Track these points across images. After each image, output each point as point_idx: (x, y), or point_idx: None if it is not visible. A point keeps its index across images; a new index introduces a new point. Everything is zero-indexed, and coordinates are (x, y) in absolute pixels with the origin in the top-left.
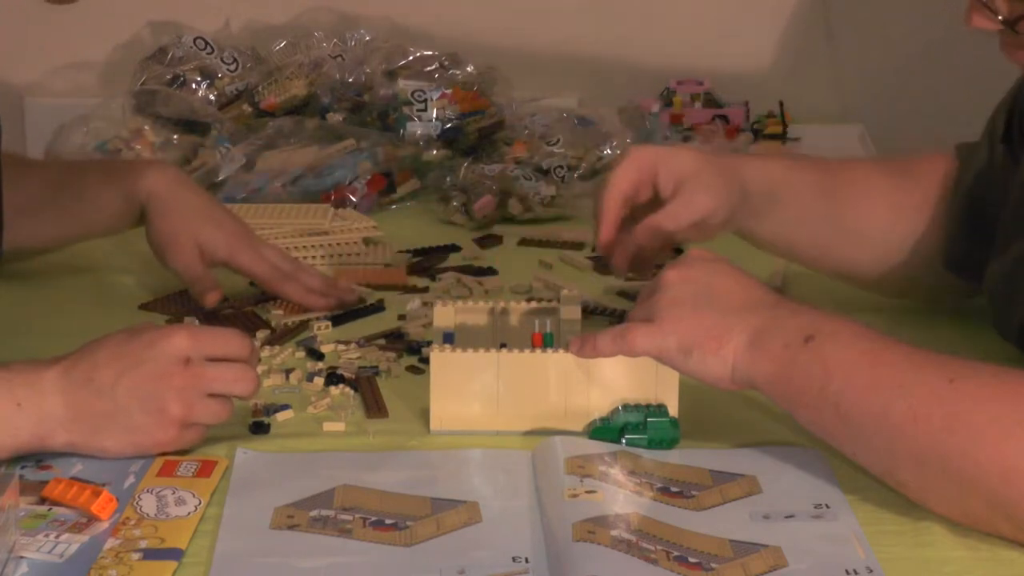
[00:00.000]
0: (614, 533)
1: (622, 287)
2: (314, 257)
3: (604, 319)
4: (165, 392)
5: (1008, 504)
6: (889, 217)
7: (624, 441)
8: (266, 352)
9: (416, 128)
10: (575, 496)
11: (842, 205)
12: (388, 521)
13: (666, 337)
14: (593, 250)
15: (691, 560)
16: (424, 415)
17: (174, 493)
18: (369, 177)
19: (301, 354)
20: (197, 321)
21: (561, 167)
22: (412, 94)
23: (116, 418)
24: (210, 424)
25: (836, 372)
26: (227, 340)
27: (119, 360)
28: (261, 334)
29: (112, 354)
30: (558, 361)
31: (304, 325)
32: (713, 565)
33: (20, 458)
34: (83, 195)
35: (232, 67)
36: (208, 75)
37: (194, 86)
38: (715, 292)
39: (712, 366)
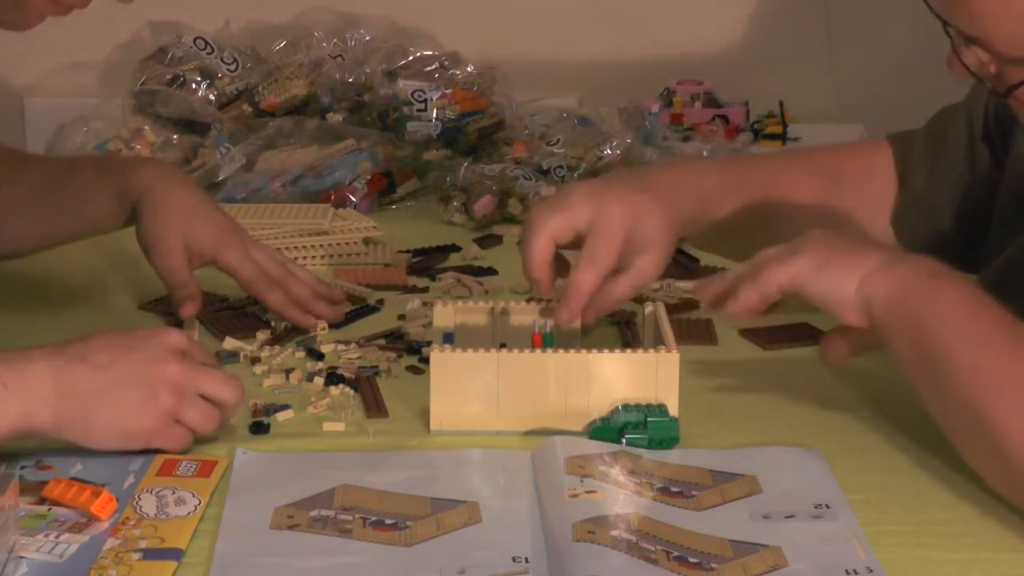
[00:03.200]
0: (614, 533)
1: None
2: (314, 257)
3: (604, 320)
4: (159, 378)
5: None
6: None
7: (624, 441)
8: (266, 352)
9: (416, 128)
10: (575, 496)
11: (774, 224)
12: (388, 521)
13: (801, 258)
14: None
15: (691, 560)
16: (424, 415)
17: (174, 493)
18: (369, 177)
19: (301, 354)
20: (198, 323)
21: (561, 167)
22: (412, 94)
23: (106, 396)
24: (196, 429)
25: (938, 309)
26: (214, 369)
27: (115, 346)
28: (261, 334)
29: (108, 341)
30: (558, 361)
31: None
32: (713, 565)
33: (20, 458)
34: (77, 192)
35: (232, 67)
36: (208, 75)
37: (194, 86)
38: (855, 238)
39: (841, 283)
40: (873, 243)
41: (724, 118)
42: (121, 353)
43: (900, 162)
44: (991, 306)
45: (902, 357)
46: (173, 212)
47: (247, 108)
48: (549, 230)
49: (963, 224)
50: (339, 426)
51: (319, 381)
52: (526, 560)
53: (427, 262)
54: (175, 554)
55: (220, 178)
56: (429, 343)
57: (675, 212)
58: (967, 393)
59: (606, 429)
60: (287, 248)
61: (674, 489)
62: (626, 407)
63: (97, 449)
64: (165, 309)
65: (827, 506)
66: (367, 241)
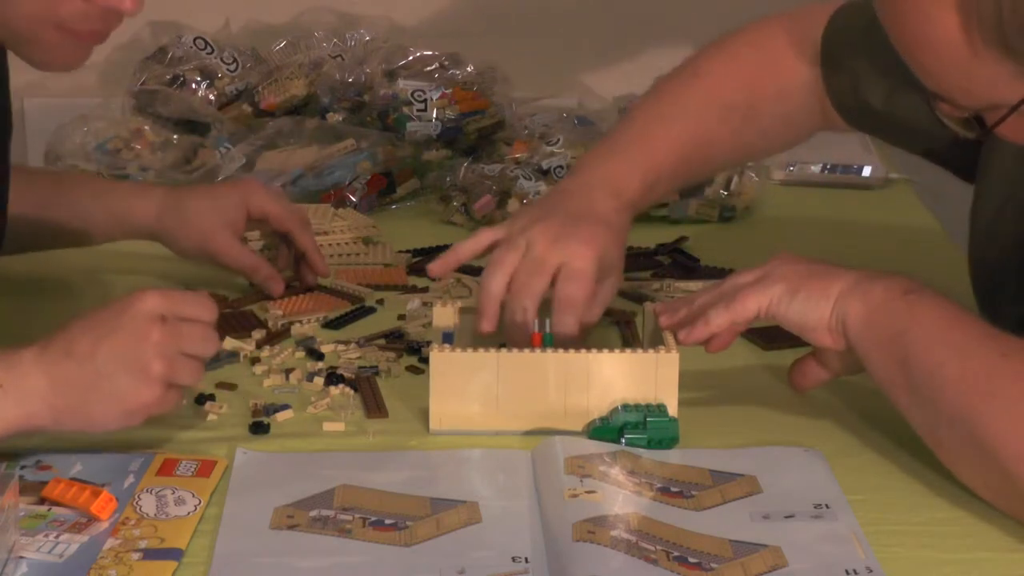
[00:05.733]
0: (614, 533)
1: (622, 287)
2: None
3: (604, 320)
4: (145, 351)
5: (1020, 483)
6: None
7: (624, 441)
8: (266, 352)
9: (416, 128)
10: (575, 496)
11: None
12: (388, 521)
13: (774, 285)
14: None
15: (691, 560)
16: (424, 415)
17: (174, 493)
18: (369, 177)
19: (301, 354)
20: None
21: (561, 167)
22: (412, 94)
23: (100, 385)
24: (187, 385)
25: (916, 324)
26: (196, 302)
27: (94, 329)
28: (256, 334)
29: (86, 325)
30: (558, 361)
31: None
32: (713, 565)
33: (20, 458)
34: (67, 214)
35: (232, 67)
36: (208, 75)
37: (194, 86)
38: (823, 261)
39: (816, 306)
40: (841, 265)
41: None
42: (103, 335)
43: (835, 76)
44: (971, 318)
45: (881, 375)
46: (197, 213)
47: (247, 108)
48: (509, 272)
49: (939, 157)
50: (339, 426)
51: (319, 381)
52: (526, 560)
53: (427, 262)
54: (175, 554)
55: (220, 178)
56: (429, 343)
57: (623, 233)
58: (956, 404)
59: (606, 429)
60: None
61: (674, 489)
62: (626, 407)
63: (102, 432)
64: None
65: (827, 506)
66: (367, 241)
